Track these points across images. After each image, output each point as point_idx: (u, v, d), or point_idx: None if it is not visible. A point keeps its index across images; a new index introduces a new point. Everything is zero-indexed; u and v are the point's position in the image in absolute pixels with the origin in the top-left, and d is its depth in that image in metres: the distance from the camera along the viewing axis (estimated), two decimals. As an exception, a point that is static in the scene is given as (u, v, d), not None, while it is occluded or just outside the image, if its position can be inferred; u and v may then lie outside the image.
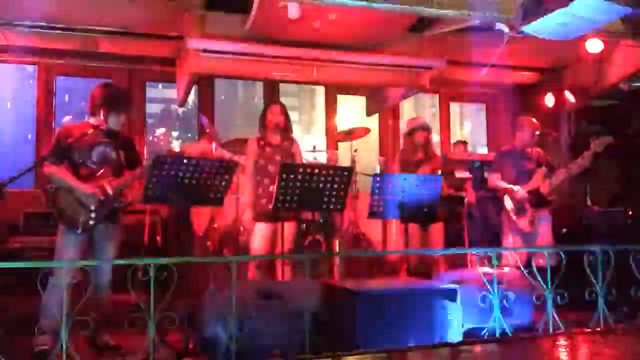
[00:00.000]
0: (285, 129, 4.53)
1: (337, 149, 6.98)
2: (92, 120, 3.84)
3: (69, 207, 3.60)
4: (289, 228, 4.40)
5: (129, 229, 5.51)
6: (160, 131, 7.92)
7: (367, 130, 6.27)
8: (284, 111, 4.53)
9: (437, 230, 4.97)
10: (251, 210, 4.40)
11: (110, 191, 3.67)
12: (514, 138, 5.17)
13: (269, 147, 4.47)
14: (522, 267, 4.43)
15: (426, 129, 5.11)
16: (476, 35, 5.64)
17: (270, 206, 4.26)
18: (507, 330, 3.64)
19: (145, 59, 6.28)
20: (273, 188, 4.30)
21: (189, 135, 8.00)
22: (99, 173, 3.70)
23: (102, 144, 3.78)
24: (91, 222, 3.63)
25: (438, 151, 5.48)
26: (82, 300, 2.97)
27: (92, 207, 3.63)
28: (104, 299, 3.75)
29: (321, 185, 3.79)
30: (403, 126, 5.46)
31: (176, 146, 7.59)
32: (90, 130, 3.76)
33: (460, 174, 5.88)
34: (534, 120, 5.12)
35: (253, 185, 4.43)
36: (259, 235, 4.38)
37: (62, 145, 3.70)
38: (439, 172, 5.19)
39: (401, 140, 5.40)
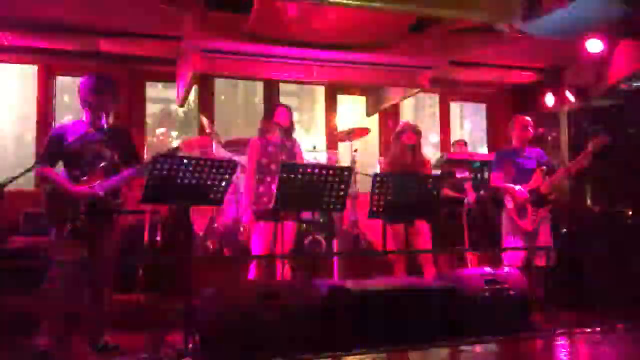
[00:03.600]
0: (289, 130, 4.58)
1: (337, 149, 6.98)
2: (84, 117, 3.82)
3: (58, 208, 3.57)
4: (289, 228, 4.41)
5: (129, 229, 5.53)
6: (161, 131, 7.94)
7: (367, 130, 6.26)
8: (291, 114, 4.65)
9: (422, 228, 4.94)
10: (251, 209, 4.40)
11: (101, 192, 3.65)
12: (510, 138, 5.19)
13: (272, 146, 4.49)
14: (522, 267, 4.45)
15: (415, 131, 5.05)
16: (476, 35, 5.64)
17: (272, 205, 4.27)
18: (507, 330, 3.65)
19: (145, 59, 6.27)
20: (275, 187, 4.31)
21: (189, 135, 7.99)
22: (92, 173, 3.66)
23: (95, 143, 3.71)
24: (80, 224, 3.60)
25: (427, 156, 5.41)
26: (81, 301, 2.98)
27: (82, 209, 3.60)
28: (104, 298, 3.75)
29: (321, 185, 3.79)
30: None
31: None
32: (84, 128, 3.73)
33: (460, 174, 5.88)
34: (527, 117, 5.12)
35: (253, 184, 4.44)
36: (259, 235, 4.39)
37: (54, 146, 3.68)
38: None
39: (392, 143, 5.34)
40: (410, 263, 4.92)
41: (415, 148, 5.03)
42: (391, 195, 3.96)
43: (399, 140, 5.06)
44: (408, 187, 4.04)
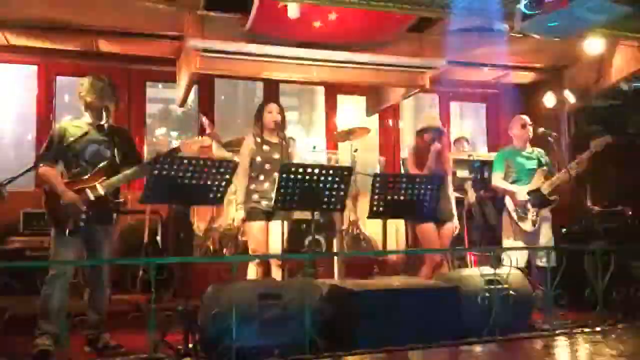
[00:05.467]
0: (282, 128, 4.53)
1: (337, 149, 6.97)
2: (86, 117, 3.83)
3: (59, 208, 3.57)
4: (281, 227, 4.39)
5: (129, 229, 5.54)
6: (161, 131, 7.94)
7: (367, 130, 6.26)
8: (282, 110, 4.54)
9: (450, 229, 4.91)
10: (243, 208, 4.36)
11: (102, 192, 3.65)
12: (511, 138, 5.19)
13: (267, 145, 4.46)
14: (522, 267, 4.45)
15: (438, 131, 4.92)
16: (476, 35, 5.64)
17: (263, 203, 4.27)
18: (507, 331, 3.65)
19: (145, 59, 6.26)
20: (267, 186, 4.30)
21: (189, 135, 7.98)
22: (92, 173, 3.67)
23: (96, 143, 3.73)
24: (81, 224, 3.59)
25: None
26: (81, 301, 2.98)
27: (83, 209, 3.61)
28: (104, 299, 3.75)
29: (321, 185, 3.79)
30: (417, 124, 5.33)
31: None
32: (84, 128, 3.73)
33: (461, 174, 5.87)
34: (526, 117, 5.12)
35: (245, 182, 4.41)
36: (253, 234, 4.37)
37: (55, 145, 3.68)
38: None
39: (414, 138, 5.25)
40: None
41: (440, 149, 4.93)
42: (392, 194, 3.96)
43: (421, 138, 4.96)
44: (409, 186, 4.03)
